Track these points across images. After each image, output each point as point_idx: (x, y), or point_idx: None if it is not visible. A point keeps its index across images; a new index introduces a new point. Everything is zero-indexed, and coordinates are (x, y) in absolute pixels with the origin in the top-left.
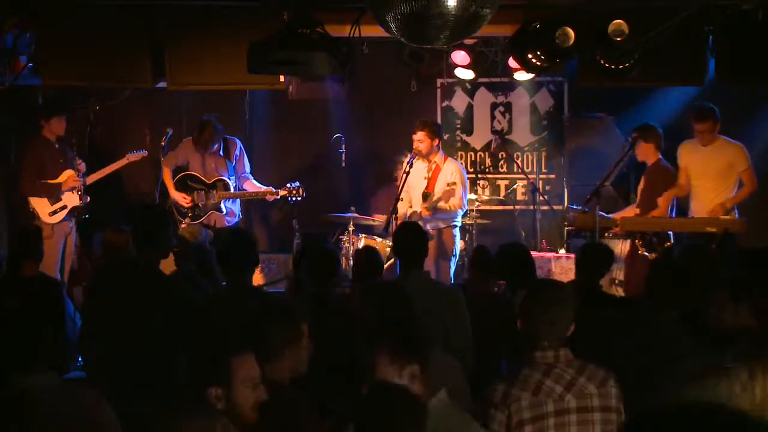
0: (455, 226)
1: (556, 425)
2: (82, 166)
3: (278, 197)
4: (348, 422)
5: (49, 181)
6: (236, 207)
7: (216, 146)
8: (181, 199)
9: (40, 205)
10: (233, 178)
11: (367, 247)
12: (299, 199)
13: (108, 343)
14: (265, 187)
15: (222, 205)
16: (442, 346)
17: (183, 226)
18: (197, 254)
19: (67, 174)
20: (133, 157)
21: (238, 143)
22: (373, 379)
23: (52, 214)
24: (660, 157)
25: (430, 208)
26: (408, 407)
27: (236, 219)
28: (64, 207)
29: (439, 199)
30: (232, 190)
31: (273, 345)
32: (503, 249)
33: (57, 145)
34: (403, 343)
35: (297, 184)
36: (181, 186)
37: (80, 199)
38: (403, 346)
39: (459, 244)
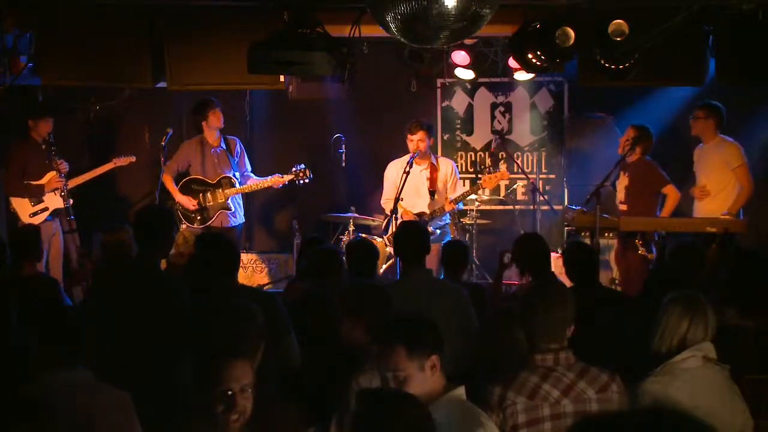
0: (447, 223)
1: (552, 429)
2: (63, 166)
3: (286, 183)
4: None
5: (33, 183)
6: (240, 209)
7: (218, 135)
8: (187, 201)
9: (21, 206)
10: (237, 174)
11: (358, 241)
12: (307, 181)
13: (109, 343)
14: (270, 177)
15: (230, 203)
16: (445, 344)
17: (183, 227)
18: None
19: (50, 175)
20: (120, 161)
21: (238, 142)
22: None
23: (33, 215)
24: (641, 155)
25: (457, 201)
26: (416, 412)
27: (240, 221)
28: (45, 209)
29: (470, 193)
30: (237, 186)
31: (249, 346)
32: (522, 240)
33: (43, 146)
34: (420, 337)
35: (302, 166)
36: (186, 191)
37: (63, 201)
38: (420, 341)
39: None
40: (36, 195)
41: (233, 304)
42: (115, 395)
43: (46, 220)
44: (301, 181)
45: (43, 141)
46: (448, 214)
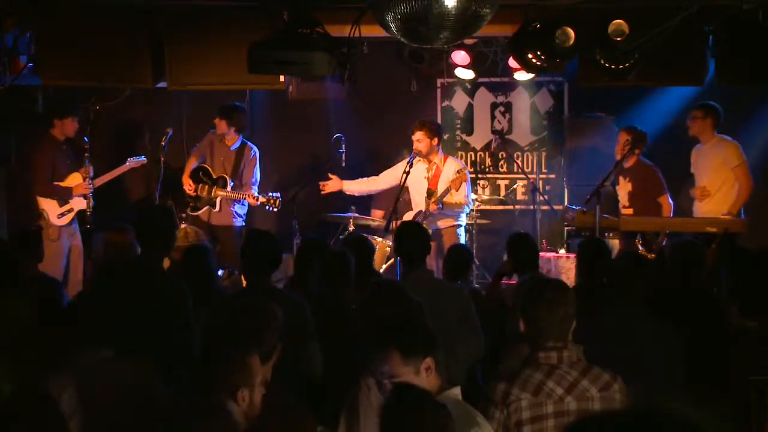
0: (459, 225)
1: (556, 427)
2: (91, 171)
3: (257, 203)
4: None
5: (62, 185)
6: (235, 210)
7: (235, 140)
8: (187, 186)
9: (50, 207)
10: (235, 178)
11: (354, 238)
12: (275, 210)
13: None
14: (249, 192)
15: (216, 202)
16: (447, 344)
17: (183, 226)
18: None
19: (76, 179)
20: (133, 163)
21: (254, 150)
22: (387, 377)
23: (60, 216)
24: (639, 157)
25: (437, 202)
26: (434, 411)
27: (237, 221)
28: (71, 210)
29: (446, 192)
30: (229, 189)
31: (271, 346)
32: (513, 239)
33: (65, 146)
34: (413, 341)
35: (277, 194)
36: (194, 176)
37: (88, 205)
38: (413, 345)
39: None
40: (65, 197)
41: (254, 304)
42: (142, 369)
43: (72, 221)
44: (271, 208)
45: (66, 140)
46: (461, 215)
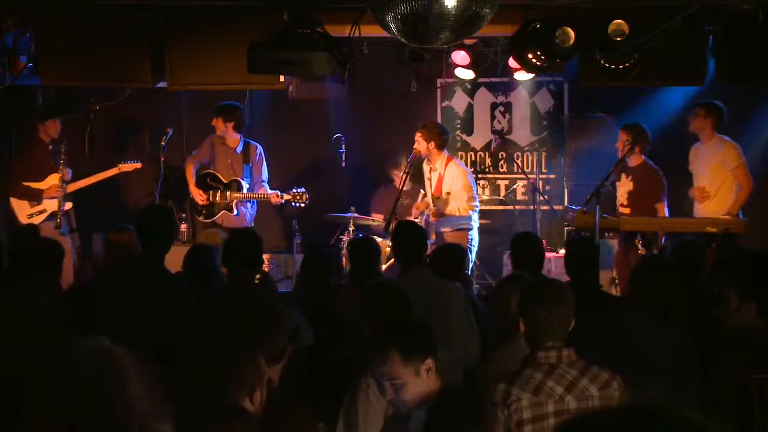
0: (468, 229)
1: (556, 426)
2: (67, 175)
3: (282, 201)
4: (338, 421)
5: (32, 185)
6: (249, 211)
7: (238, 137)
8: (198, 196)
9: (20, 207)
10: (248, 179)
11: (360, 239)
12: (302, 205)
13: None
14: (273, 191)
15: (233, 206)
16: (445, 344)
17: (183, 227)
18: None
19: (50, 181)
20: (125, 167)
21: (259, 149)
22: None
23: (30, 217)
24: (645, 158)
25: (437, 215)
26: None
27: (245, 224)
28: (43, 211)
29: (445, 205)
30: (244, 191)
31: (281, 347)
32: (517, 239)
33: (50, 147)
34: (413, 342)
35: (302, 190)
36: (201, 184)
37: (58, 205)
38: (413, 346)
39: (473, 247)
40: (35, 198)
41: (266, 305)
42: (134, 358)
43: (45, 220)
44: (297, 204)
45: (51, 142)
46: (469, 218)
